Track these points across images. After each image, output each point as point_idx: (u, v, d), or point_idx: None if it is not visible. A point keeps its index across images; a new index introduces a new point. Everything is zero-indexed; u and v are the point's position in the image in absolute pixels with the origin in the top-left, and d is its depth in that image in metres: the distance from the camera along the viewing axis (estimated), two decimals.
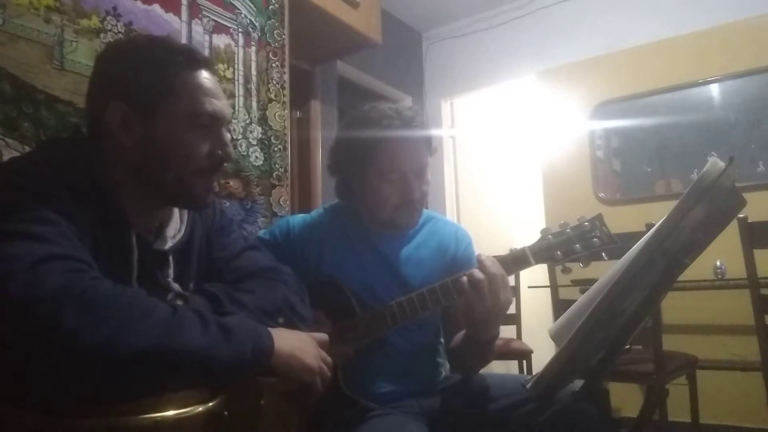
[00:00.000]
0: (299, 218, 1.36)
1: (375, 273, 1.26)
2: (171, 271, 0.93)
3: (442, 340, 1.36)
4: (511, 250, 1.19)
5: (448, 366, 1.36)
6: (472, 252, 1.36)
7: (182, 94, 0.87)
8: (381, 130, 1.20)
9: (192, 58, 0.90)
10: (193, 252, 0.99)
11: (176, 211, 0.98)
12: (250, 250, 1.06)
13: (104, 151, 0.87)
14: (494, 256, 1.14)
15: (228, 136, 0.93)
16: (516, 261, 1.16)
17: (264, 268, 1.02)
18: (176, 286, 0.92)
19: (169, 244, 0.93)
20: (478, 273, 1.06)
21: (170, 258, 0.93)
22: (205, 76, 0.90)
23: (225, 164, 0.94)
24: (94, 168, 0.85)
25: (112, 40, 1.38)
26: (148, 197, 0.90)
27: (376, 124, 1.21)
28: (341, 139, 1.30)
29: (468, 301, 1.07)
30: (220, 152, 0.91)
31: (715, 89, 3.07)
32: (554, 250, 1.16)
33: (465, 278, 1.08)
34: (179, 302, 0.87)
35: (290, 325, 0.91)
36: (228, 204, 1.64)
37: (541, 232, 1.19)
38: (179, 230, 0.97)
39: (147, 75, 0.86)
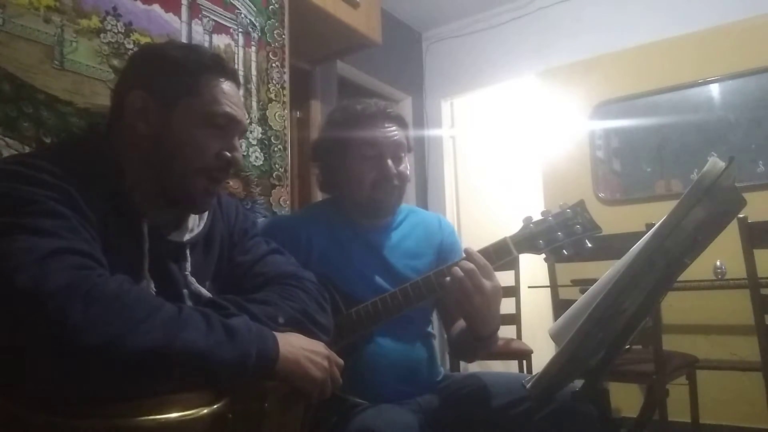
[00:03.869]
0: (284, 217, 1.37)
1: (364, 263, 1.27)
2: (188, 265, 0.93)
3: (434, 335, 1.36)
4: None
5: (448, 362, 1.36)
6: (457, 239, 1.40)
7: (204, 93, 0.90)
8: (359, 114, 1.27)
9: (221, 66, 0.94)
10: (213, 247, 0.99)
11: None
12: (273, 254, 1.05)
13: (118, 142, 0.89)
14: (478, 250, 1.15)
15: (240, 144, 0.95)
16: (497, 251, 1.15)
17: (285, 274, 1.01)
18: (193, 280, 0.92)
19: (187, 236, 0.93)
20: (456, 268, 1.09)
21: (187, 251, 0.93)
22: (229, 84, 0.94)
23: (232, 170, 0.95)
24: (107, 161, 0.86)
25: (112, 40, 1.38)
26: (158, 195, 0.90)
27: (353, 110, 1.28)
28: (324, 129, 1.36)
29: (455, 295, 1.09)
30: (228, 155, 0.92)
31: (715, 89, 3.07)
32: (536, 238, 1.16)
33: (448, 271, 1.10)
34: (190, 302, 0.87)
35: (307, 333, 0.90)
36: None
37: (523, 220, 1.19)
38: (198, 225, 0.97)
39: (174, 71, 0.90)
